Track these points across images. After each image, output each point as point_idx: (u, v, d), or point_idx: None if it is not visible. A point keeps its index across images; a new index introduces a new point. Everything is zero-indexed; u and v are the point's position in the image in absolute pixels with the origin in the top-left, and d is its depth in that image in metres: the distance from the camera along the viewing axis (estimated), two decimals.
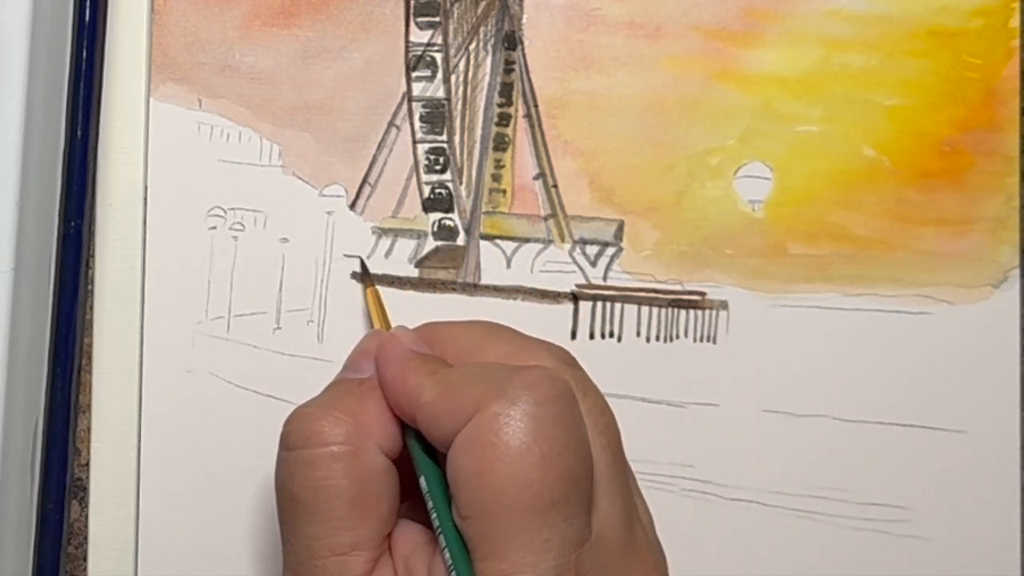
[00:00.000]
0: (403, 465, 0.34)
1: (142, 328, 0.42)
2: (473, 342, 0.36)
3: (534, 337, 0.36)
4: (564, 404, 0.32)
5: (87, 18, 0.41)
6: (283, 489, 0.34)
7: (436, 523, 0.32)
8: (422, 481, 0.33)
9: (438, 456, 0.34)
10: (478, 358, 0.35)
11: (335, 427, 0.33)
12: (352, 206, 0.43)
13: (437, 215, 0.43)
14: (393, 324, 0.39)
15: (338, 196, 0.43)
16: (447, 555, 0.32)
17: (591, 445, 0.32)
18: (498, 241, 0.43)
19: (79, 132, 0.41)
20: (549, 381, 0.32)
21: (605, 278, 0.43)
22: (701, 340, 0.42)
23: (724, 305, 0.42)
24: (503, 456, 0.31)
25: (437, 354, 0.36)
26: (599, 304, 0.42)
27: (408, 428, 0.34)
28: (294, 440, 0.34)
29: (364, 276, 0.42)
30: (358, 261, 0.42)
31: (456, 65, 0.43)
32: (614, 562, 0.32)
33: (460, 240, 0.43)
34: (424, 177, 0.43)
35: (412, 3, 0.43)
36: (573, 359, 0.35)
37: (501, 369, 0.33)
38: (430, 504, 0.33)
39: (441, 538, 0.32)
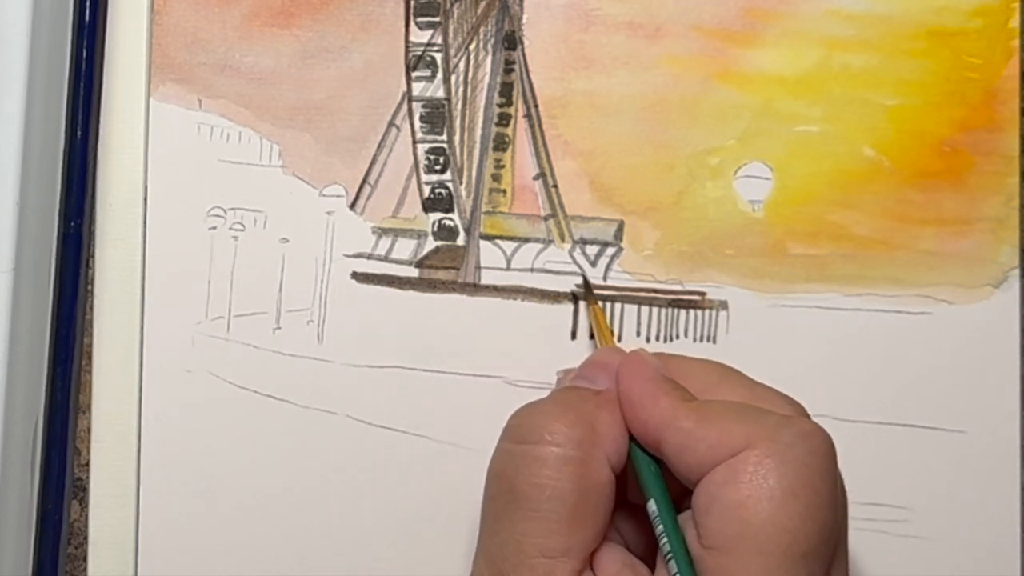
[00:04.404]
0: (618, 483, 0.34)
1: (142, 328, 0.42)
2: (710, 381, 0.35)
3: (767, 385, 0.36)
4: (831, 461, 0.32)
5: (87, 18, 0.41)
6: (502, 479, 0.33)
7: (666, 548, 0.32)
8: (651, 504, 0.33)
9: (667, 480, 0.34)
10: (714, 397, 0.35)
11: (571, 430, 0.33)
12: (352, 206, 0.43)
13: (437, 215, 0.43)
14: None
15: (338, 196, 0.43)
16: None
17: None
18: (498, 241, 0.43)
19: (79, 132, 0.41)
20: (822, 435, 0.32)
21: (605, 278, 0.43)
22: (701, 340, 0.42)
23: (724, 305, 0.42)
24: (770, 497, 0.31)
25: None
26: (599, 304, 0.42)
27: (636, 450, 0.34)
28: (526, 434, 0.33)
29: (587, 293, 0.42)
30: (581, 279, 0.42)
31: (456, 65, 0.43)
32: None
33: (460, 240, 0.43)
34: (424, 177, 0.43)
35: (412, 3, 0.43)
36: (806, 412, 0.35)
37: (770, 413, 0.33)
38: (659, 528, 0.33)
39: (672, 563, 0.32)
